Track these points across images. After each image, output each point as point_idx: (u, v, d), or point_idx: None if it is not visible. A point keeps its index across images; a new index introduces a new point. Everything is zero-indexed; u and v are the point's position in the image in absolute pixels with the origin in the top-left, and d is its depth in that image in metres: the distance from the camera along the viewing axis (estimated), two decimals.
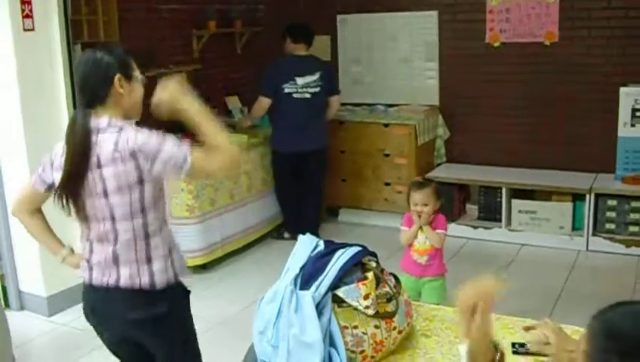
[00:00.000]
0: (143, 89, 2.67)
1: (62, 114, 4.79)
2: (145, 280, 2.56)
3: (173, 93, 2.50)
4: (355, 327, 2.16)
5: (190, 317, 2.80)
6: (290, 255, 2.33)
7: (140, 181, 2.46)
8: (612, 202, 5.86)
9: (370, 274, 2.21)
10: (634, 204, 5.79)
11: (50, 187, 2.64)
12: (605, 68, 6.10)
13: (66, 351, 4.40)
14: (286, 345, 2.10)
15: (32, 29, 4.60)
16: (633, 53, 5.98)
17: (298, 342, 2.08)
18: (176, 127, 2.62)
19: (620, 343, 1.06)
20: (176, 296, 2.68)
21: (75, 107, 4.43)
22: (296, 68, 6.00)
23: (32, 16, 4.58)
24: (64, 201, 2.56)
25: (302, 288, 2.17)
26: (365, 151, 6.61)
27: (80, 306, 2.84)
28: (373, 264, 2.30)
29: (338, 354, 2.11)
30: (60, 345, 4.55)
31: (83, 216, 2.58)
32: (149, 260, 2.56)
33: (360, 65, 7.27)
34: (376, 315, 2.18)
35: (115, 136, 2.47)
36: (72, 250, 2.81)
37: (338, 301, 2.16)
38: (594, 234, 5.84)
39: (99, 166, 2.46)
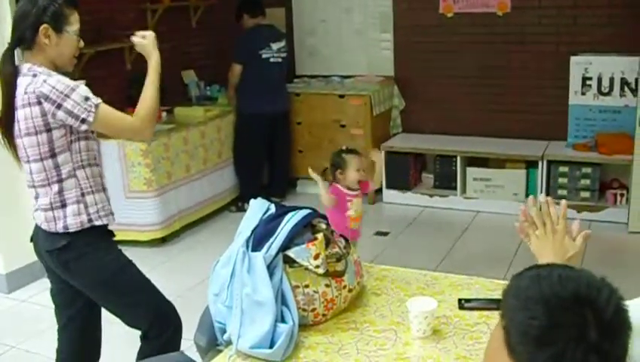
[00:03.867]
0: (78, 44, 2.74)
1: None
2: (59, 225, 2.69)
3: (151, 40, 2.88)
4: (307, 286, 2.21)
5: (111, 259, 2.88)
6: (243, 218, 2.37)
7: (47, 125, 2.56)
8: (564, 169, 5.98)
9: (320, 235, 2.25)
10: (585, 170, 5.93)
11: None
12: (556, 37, 6.20)
13: (27, 327, 4.39)
14: (240, 305, 2.14)
15: None
16: (583, 23, 6.08)
17: (251, 301, 2.12)
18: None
19: (521, 300, 1.16)
20: (90, 239, 2.79)
21: None
22: (269, 35, 6.30)
23: None
24: (4, 140, 2.66)
25: (254, 249, 2.21)
26: (321, 122, 6.65)
27: (40, 281, 2.94)
28: (323, 226, 2.35)
29: (290, 313, 2.16)
30: (21, 320, 4.54)
31: (17, 157, 2.70)
32: (62, 205, 2.67)
33: (315, 37, 7.28)
34: (327, 274, 2.22)
35: (28, 80, 2.57)
36: None
37: (289, 261, 2.21)
38: None
39: (15, 108, 2.57)
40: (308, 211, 2.35)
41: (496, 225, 5.83)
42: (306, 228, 2.29)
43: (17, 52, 2.66)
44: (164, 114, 6.06)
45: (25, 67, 2.61)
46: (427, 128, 6.85)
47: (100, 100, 2.65)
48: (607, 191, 5.94)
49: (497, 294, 2.38)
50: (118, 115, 2.69)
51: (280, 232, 2.23)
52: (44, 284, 3.94)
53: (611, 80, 5.91)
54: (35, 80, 2.56)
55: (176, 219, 5.75)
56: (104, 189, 2.85)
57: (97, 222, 2.77)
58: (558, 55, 6.14)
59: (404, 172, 6.52)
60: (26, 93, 2.55)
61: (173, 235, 5.76)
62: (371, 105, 6.45)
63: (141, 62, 6.24)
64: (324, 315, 2.26)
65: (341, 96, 6.60)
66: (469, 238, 5.66)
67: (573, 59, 6.01)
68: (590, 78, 5.97)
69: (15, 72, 2.59)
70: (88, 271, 2.81)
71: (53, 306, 3.07)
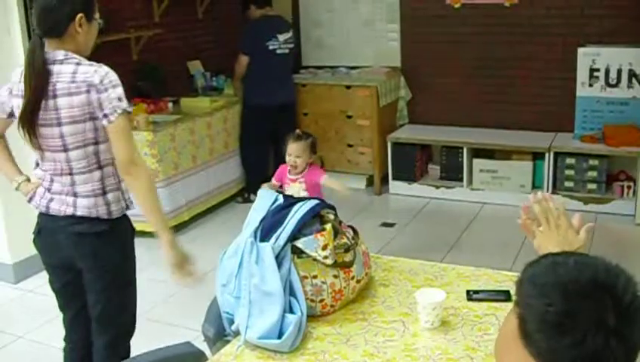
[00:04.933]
0: (97, 32, 2.77)
1: (16, 45, 4.72)
2: (102, 211, 2.70)
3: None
4: (315, 277, 2.21)
5: (132, 250, 2.98)
6: (251, 209, 2.37)
7: (92, 114, 2.57)
8: (571, 160, 5.97)
9: (328, 226, 2.25)
10: (592, 162, 5.92)
11: (10, 115, 2.73)
12: (564, 29, 6.17)
13: (34, 317, 4.40)
14: (248, 295, 2.14)
15: None
16: (590, 14, 6.06)
17: (259, 291, 2.12)
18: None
19: (538, 287, 1.15)
20: (126, 227, 2.89)
21: (29, 38, 4.41)
22: (275, 26, 6.28)
23: None
24: (24, 129, 2.62)
25: (262, 240, 2.21)
26: (328, 113, 6.65)
27: (46, 272, 2.95)
28: (332, 216, 2.34)
29: (298, 303, 2.16)
30: (28, 311, 4.56)
31: (38, 145, 2.66)
32: (104, 192, 2.69)
33: (322, 27, 7.26)
34: (335, 265, 2.22)
35: (71, 67, 2.56)
36: (28, 179, 2.87)
37: (297, 252, 2.20)
38: (553, 192, 5.93)
39: (54, 96, 2.54)
40: (316, 202, 2.34)
41: (502, 216, 5.81)
42: (314, 219, 2.29)
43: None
44: (170, 104, 6.06)
45: (59, 54, 2.58)
46: (433, 119, 6.83)
47: (130, 109, 2.69)
48: (614, 183, 5.93)
49: (505, 285, 2.40)
50: (132, 137, 2.66)
51: (288, 223, 2.22)
52: None
53: (619, 71, 5.89)
54: (84, 68, 2.57)
55: (184, 210, 5.75)
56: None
57: (132, 207, 2.85)
58: (566, 46, 6.12)
59: (410, 163, 6.51)
60: (74, 81, 2.54)
61: (180, 226, 5.75)
62: (378, 96, 6.44)
63: (148, 53, 6.27)
64: (332, 306, 2.26)
65: (348, 87, 6.60)
66: (475, 230, 5.65)
67: (580, 50, 5.98)
68: (598, 70, 5.94)
69: (46, 61, 2.56)
70: (112, 258, 2.84)
71: (57, 300, 3.06)
